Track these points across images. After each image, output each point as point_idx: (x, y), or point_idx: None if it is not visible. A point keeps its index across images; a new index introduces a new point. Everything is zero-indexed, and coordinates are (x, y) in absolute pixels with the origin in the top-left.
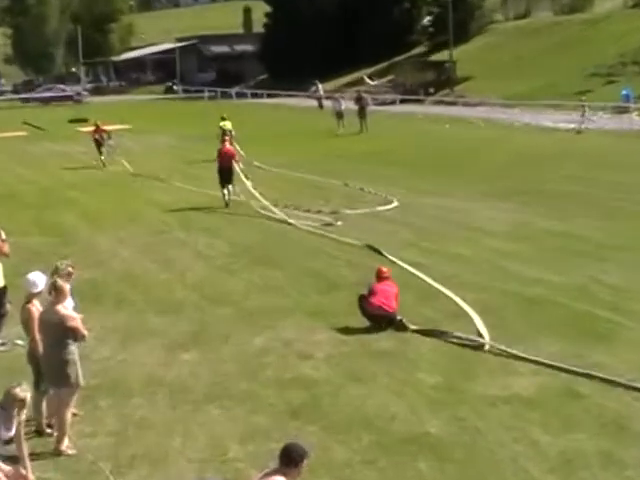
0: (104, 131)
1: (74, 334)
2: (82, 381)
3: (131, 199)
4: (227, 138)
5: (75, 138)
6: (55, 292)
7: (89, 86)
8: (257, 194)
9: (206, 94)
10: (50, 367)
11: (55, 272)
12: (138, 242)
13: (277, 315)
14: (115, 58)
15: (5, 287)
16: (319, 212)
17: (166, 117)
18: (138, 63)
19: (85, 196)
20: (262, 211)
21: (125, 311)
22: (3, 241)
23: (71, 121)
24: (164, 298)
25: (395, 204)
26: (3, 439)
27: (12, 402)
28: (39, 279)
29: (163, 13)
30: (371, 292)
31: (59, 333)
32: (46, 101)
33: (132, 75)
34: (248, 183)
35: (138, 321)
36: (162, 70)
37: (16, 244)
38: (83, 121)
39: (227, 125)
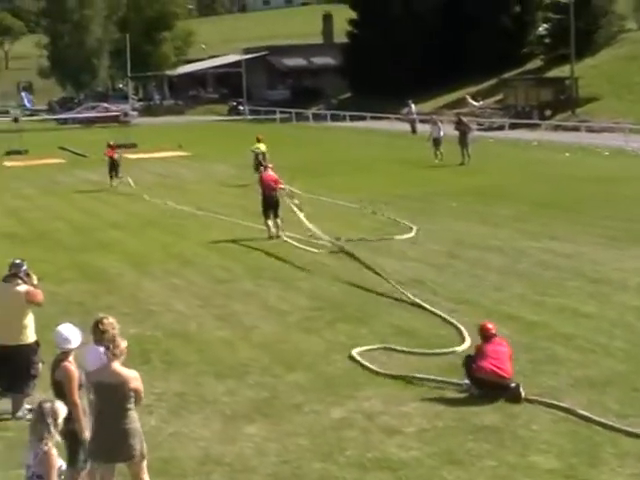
0: (115, 153)
1: (137, 397)
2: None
3: (185, 239)
4: (270, 165)
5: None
6: (113, 347)
7: (138, 105)
8: (311, 226)
9: (278, 115)
10: (107, 439)
11: (96, 326)
12: (194, 291)
13: (360, 381)
14: (170, 72)
15: (37, 343)
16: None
17: (229, 142)
18: (197, 78)
19: (129, 235)
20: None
21: (177, 374)
22: (35, 288)
23: (117, 146)
24: (225, 359)
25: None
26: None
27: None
28: (72, 333)
29: (227, 19)
30: (480, 354)
31: (119, 398)
32: (87, 122)
33: (190, 92)
34: (301, 214)
35: (193, 386)
36: (225, 87)
37: (50, 292)
38: (131, 146)
39: (261, 147)
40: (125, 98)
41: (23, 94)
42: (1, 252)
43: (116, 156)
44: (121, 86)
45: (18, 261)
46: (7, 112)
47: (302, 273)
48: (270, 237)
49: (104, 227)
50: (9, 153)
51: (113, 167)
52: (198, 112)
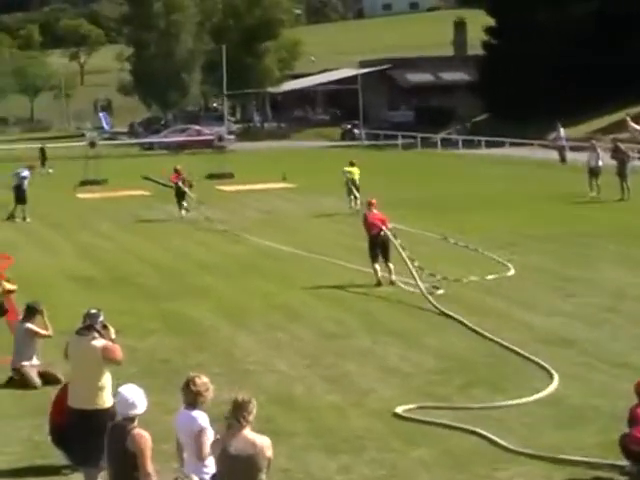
0: (184, 179)
1: (269, 466)
2: None
3: (289, 286)
4: (373, 202)
5: (213, 200)
6: (239, 412)
7: (236, 127)
8: (414, 271)
9: (399, 141)
10: None
11: (187, 387)
12: (299, 348)
13: (495, 458)
14: (273, 89)
15: (114, 407)
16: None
17: (337, 174)
18: (305, 97)
19: (224, 281)
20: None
21: (282, 446)
22: (113, 342)
23: (210, 176)
24: (336, 430)
25: None
26: None
27: None
28: (138, 396)
29: (340, 27)
30: (634, 419)
31: (254, 469)
32: (176, 148)
33: (296, 113)
34: (404, 254)
35: (300, 462)
36: (338, 106)
37: (130, 347)
38: (227, 176)
39: (354, 173)
40: (220, 119)
41: (101, 114)
42: (75, 299)
43: (180, 182)
44: (215, 105)
45: (94, 311)
46: (82, 135)
47: (424, 325)
48: (378, 283)
49: (195, 270)
50: (84, 183)
51: (180, 195)
52: (305, 136)
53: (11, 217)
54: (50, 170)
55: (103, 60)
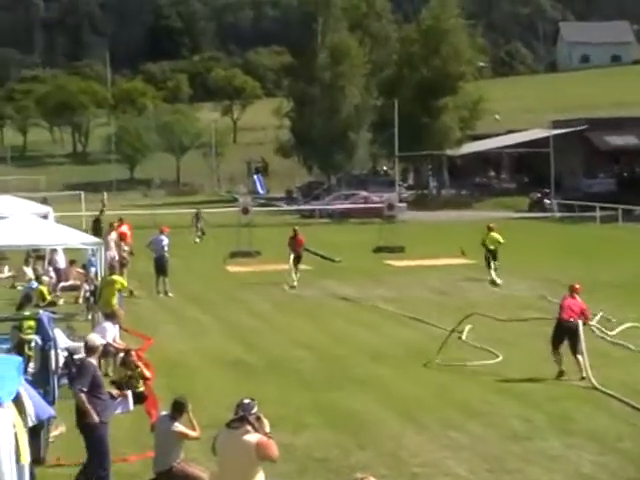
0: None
1: None
2: None
3: (469, 379)
4: (576, 287)
5: (381, 277)
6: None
7: (408, 194)
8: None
9: (597, 213)
10: None
11: None
12: (479, 451)
13: None
14: (451, 152)
15: None
16: None
17: (529, 249)
18: (487, 161)
19: (393, 370)
20: None
21: None
22: (268, 437)
23: (378, 250)
24: None
25: None
26: None
27: None
28: None
29: (530, 81)
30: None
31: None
32: (340, 216)
33: (477, 179)
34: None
35: None
36: (526, 172)
37: (285, 443)
38: (398, 250)
39: (494, 240)
40: (390, 185)
41: (256, 177)
42: (226, 387)
43: (299, 250)
44: (385, 169)
45: (247, 401)
46: (234, 200)
47: (626, 427)
48: (560, 373)
49: (357, 356)
50: (235, 255)
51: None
52: (487, 206)
53: (158, 292)
54: (197, 239)
55: (258, 116)
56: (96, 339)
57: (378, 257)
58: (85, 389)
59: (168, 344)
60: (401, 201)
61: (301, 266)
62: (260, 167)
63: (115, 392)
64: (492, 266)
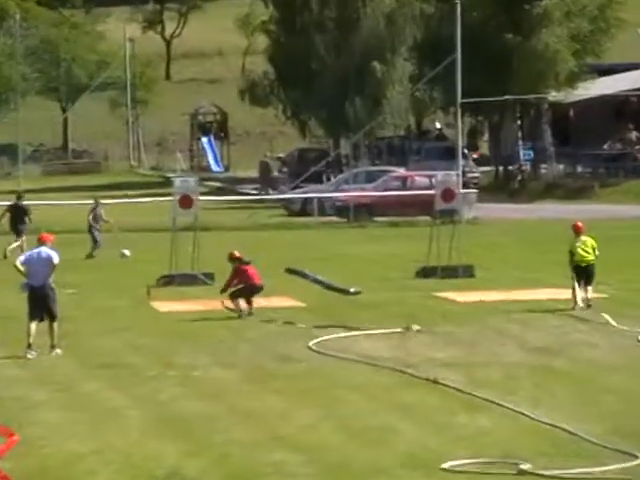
0: None
1: None
2: None
3: None
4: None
5: (433, 322)
6: None
7: (480, 173)
8: None
9: None
10: None
11: None
12: None
13: None
14: (558, 96)
15: None
16: None
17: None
18: (621, 111)
19: None
20: None
21: None
22: None
23: (425, 272)
24: None
25: None
26: None
27: None
28: None
29: None
30: None
31: None
32: (359, 212)
33: (604, 144)
34: None
35: None
36: None
37: None
38: (462, 274)
39: (582, 248)
40: (448, 156)
41: (206, 143)
42: None
43: None
44: (439, 127)
45: None
46: (166, 181)
47: None
48: None
49: (396, 471)
50: (169, 282)
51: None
52: (623, 193)
53: (29, 346)
54: (126, 253)
55: (210, 31)
56: None
57: (426, 285)
58: None
59: (49, 444)
60: (467, 185)
61: (283, 301)
62: (213, 124)
63: None
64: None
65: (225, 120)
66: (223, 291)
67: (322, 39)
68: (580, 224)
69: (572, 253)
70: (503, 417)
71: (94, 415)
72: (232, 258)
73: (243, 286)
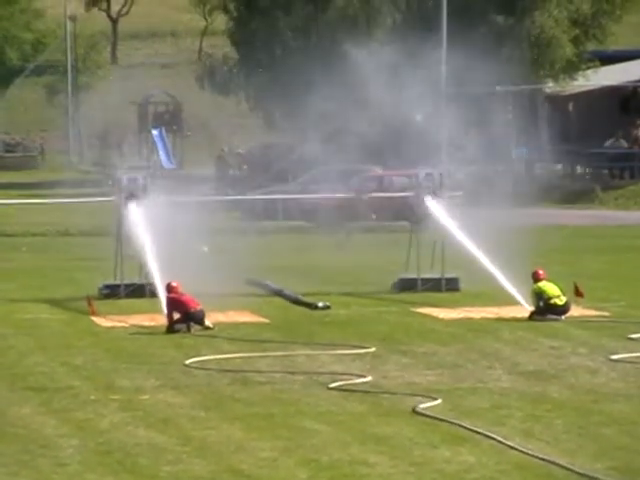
0: None
1: None
2: None
3: None
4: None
5: (412, 341)
6: None
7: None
8: None
9: None
10: None
11: None
12: None
13: None
14: (555, 86)
15: None
16: None
17: None
18: (626, 104)
19: None
20: None
21: None
22: None
23: (404, 285)
24: None
25: None
26: None
27: None
28: None
29: None
30: None
31: None
32: (329, 216)
33: (606, 141)
34: None
35: None
36: None
37: None
38: (445, 287)
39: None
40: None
41: (156, 135)
42: None
43: None
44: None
45: None
46: (108, 180)
47: None
48: None
49: None
50: (112, 293)
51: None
52: (630, 197)
53: None
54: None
55: (161, 7)
56: None
57: (406, 300)
58: None
59: None
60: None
61: (243, 316)
62: (165, 114)
63: None
64: None
65: (179, 110)
66: (169, 330)
67: (288, 20)
68: (541, 271)
69: (541, 292)
70: (490, 451)
71: (25, 444)
72: (169, 289)
73: (180, 317)
